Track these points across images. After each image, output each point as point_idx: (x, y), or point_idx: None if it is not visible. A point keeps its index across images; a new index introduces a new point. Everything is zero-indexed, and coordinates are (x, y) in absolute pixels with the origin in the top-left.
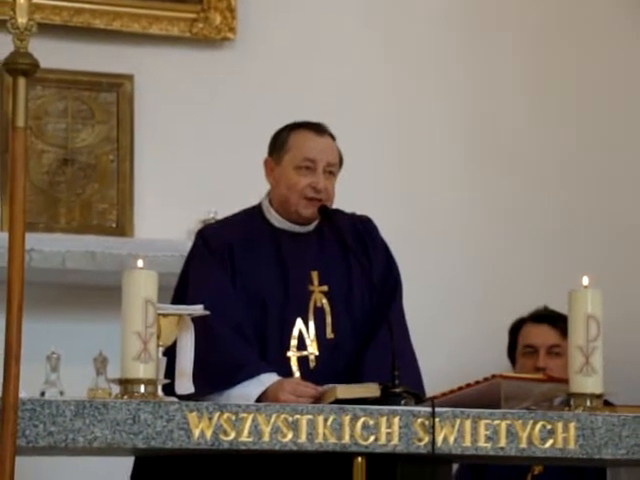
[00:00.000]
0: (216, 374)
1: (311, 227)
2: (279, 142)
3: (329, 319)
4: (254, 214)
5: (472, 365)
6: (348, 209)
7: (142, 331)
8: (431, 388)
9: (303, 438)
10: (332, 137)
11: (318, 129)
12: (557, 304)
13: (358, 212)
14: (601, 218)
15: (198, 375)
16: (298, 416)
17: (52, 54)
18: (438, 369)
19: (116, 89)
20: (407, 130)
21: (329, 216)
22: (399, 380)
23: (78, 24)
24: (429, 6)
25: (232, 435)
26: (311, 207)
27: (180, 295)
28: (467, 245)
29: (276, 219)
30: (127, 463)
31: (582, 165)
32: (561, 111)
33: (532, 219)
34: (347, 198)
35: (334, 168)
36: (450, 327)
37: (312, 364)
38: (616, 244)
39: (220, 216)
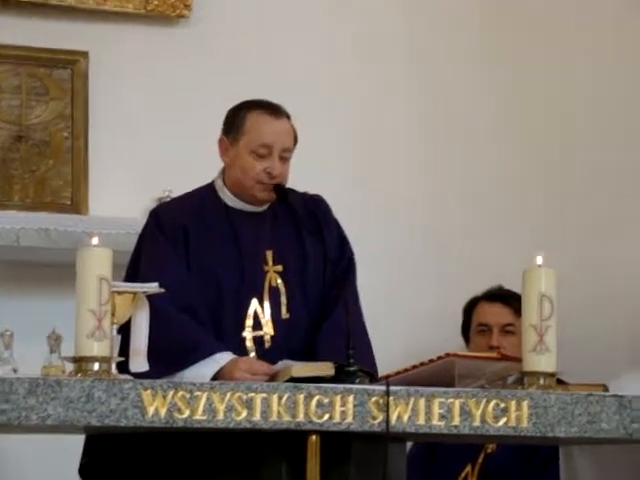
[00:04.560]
0: (170, 356)
1: (265, 206)
2: (234, 122)
3: (284, 299)
4: (208, 193)
5: (426, 344)
6: (304, 189)
7: (96, 309)
8: (385, 367)
9: (257, 416)
10: (288, 117)
11: (275, 111)
12: (512, 283)
13: (313, 192)
14: (557, 196)
15: (152, 357)
16: (252, 394)
17: (6, 30)
18: (392, 348)
19: (71, 66)
20: (364, 106)
21: (284, 195)
22: (353, 359)
23: (33, 0)
24: None
25: (186, 413)
26: (266, 191)
27: (132, 274)
28: (422, 223)
29: (230, 198)
30: (79, 441)
31: (538, 140)
32: (513, 81)
33: (487, 197)
34: (304, 178)
35: (289, 153)
36: (404, 306)
37: (267, 344)
38: (572, 222)
39: (175, 194)
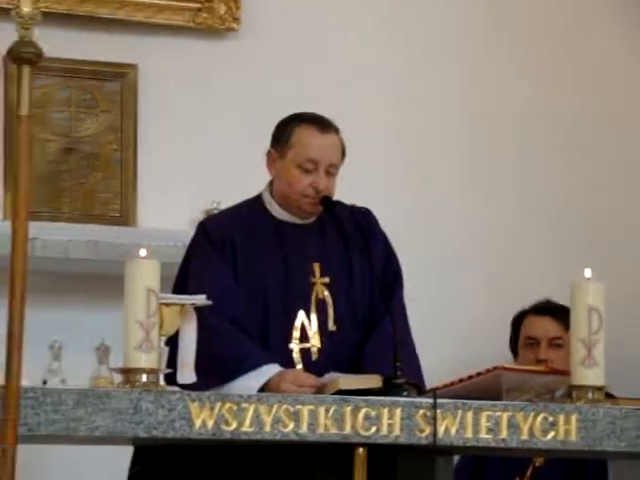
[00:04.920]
0: (218, 367)
1: (312, 219)
2: (282, 135)
3: (331, 311)
4: (255, 205)
5: (474, 357)
6: (350, 201)
7: (144, 320)
8: (433, 380)
9: (304, 428)
10: (336, 131)
11: (322, 125)
12: (560, 296)
13: (359, 204)
14: (605, 211)
15: (200, 368)
16: (299, 406)
17: (56, 43)
18: (440, 361)
19: (120, 78)
20: (410, 123)
21: (331, 207)
22: (401, 372)
23: (82, 13)
24: (434, 7)
25: (234, 425)
26: (313, 204)
27: (180, 286)
28: (470, 237)
29: (277, 211)
30: (127, 452)
31: (587, 157)
32: (565, 101)
33: (536, 211)
34: (349, 191)
35: (335, 169)
36: (452, 319)
37: (314, 356)
38: (619, 237)
39: (223, 206)
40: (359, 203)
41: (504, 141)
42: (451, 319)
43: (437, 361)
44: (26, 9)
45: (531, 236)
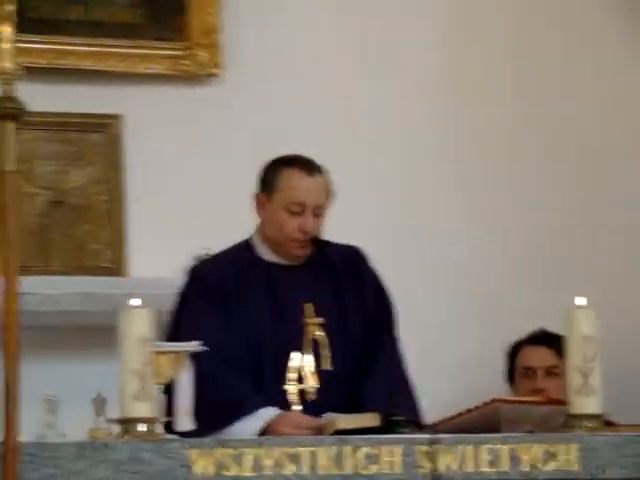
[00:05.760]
0: (215, 413)
1: (302, 259)
2: (269, 179)
3: (326, 351)
4: (245, 249)
5: (470, 389)
6: (339, 238)
7: (140, 370)
8: (430, 415)
9: (305, 470)
10: (322, 172)
11: (308, 168)
12: (555, 326)
13: (349, 241)
14: (597, 237)
15: (198, 415)
16: (299, 448)
17: (39, 97)
18: (437, 395)
19: (104, 129)
20: (396, 159)
21: (320, 247)
22: (399, 408)
23: (64, 66)
24: (418, 34)
25: (234, 470)
26: (302, 247)
27: (173, 334)
28: (462, 269)
29: (267, 253)
30: None
31: (579, 183)
32: (557, 125)
33: (526, 240)
34: (337, 227)
35: (322, 210)
36: (446, 352)
37: (311, 397)
38: (611, 263)
39: (214, 251)
40: (340, 233)
41: (494, 169)
42: (446, 353)
43: (434, 396)
44: (7, 64)
45: (523, 266)
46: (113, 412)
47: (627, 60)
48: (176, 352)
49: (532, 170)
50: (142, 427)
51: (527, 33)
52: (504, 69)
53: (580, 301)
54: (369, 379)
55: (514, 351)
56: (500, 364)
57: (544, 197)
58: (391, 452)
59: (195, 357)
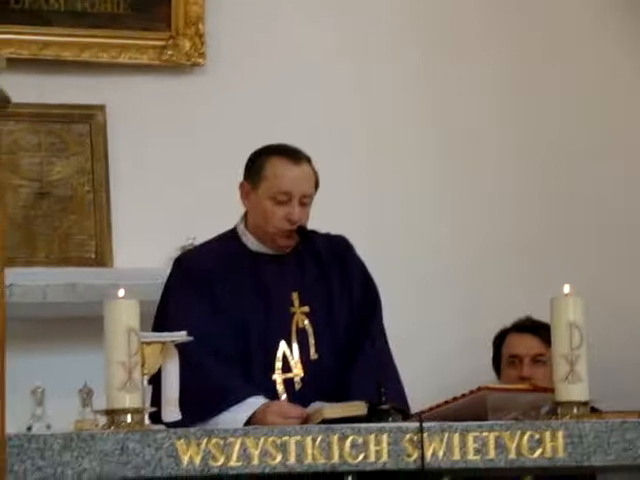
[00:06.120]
0: (203, 402)
1: (288, 249)
2: (254, 168)
3: (312, 340)
4: (231, 238)
5: (457, 377)
6: (323, 228)
7: (126, 361)
8: (417, 403)
9: (292, 460)
10: (308, 161)
11: (294, 157)
12: (541, 313)
13: (333, 231)
14: (582, 225)
15: (184, 405)
16: (286, 438)
17: (22, 88)
18: (423, 384)
19: (88, 120)
20: (379, 151)
21: (306, 237)
22: (385, 397)
23: (47, 57)
24: (401, 31)
25: (221, 460)
26: (288, 237)
27: (160, 324)
28: (448, 256)
29: (253, 243)
30: None
31: (563, 171)
32: (539, 119)
33: (513, 228)
34: (322, 217)
35: (309, 199)
36: (433, 340)
37: (297, 385)
38: (600, 251)
39: (198, 242)
40: (323, 226)
41: (477, 158)
42: (433, 340)
43: (420, 384)
44: None
45: (510, 253)
46: (100, 403)
47: (613, 59)
48: (162, 342)
49: (514, 165)
50: (128, 418)
51: (513, 31)
52: (488, 66)
53: (567, 289)
54: (356, 368)
55: (500, 339)
56: (482, 358)
57: (527, 193)
58: (378, 440)
59: (181, 346)
